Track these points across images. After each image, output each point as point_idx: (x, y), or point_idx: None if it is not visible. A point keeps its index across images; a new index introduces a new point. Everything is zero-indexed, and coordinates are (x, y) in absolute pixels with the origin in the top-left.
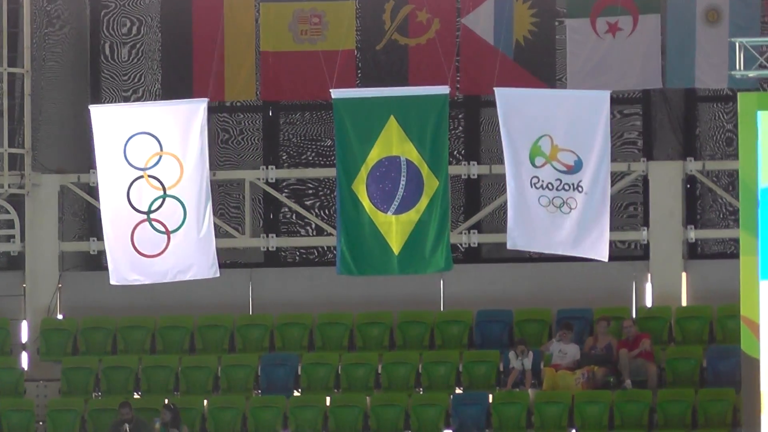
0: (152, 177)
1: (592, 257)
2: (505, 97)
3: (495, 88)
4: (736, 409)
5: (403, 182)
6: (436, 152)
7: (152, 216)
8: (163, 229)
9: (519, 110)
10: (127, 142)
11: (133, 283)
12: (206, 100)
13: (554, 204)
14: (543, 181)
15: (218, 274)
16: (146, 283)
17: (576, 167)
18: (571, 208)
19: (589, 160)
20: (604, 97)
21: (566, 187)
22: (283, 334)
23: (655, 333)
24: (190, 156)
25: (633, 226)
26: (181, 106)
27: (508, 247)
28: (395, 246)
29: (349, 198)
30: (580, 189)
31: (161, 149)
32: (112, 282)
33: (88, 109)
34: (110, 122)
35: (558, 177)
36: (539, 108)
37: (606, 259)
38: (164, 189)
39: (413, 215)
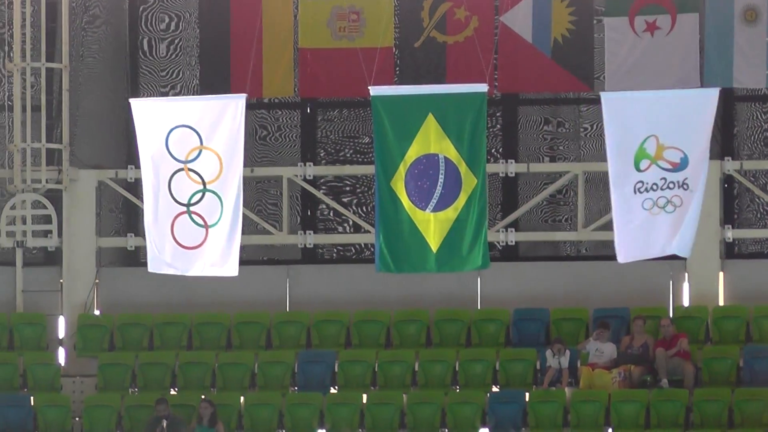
0: (192, 171)
1: (680, 254)
2: (611, 100)
3: (601, 93)
4: None
5: (441, 180)
6: (475, 150)
7: (192, 209)
8: (202, 223)
9: (625, 113)
10: (169, 134)
11: (167, 272)
12: (245, 95)
13: (658, 205)
14: (647, 183)
15: (236, 273)
16: (181, 273)
17: (682, 164)
18: (675, 206)
19: (694, 156)
20: (712, 94)
21: (671, 185)
22: (320, 331)
23: (691, 332)
24: (228, 151)
25: None
26: (220, 101)
27: (620, 260)
28: (433, 243)
29: (387, 195)
30: (685, 186)
31: (201, 143)
32: (150, 269)
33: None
34: (151, 115)
35: (663, 176)
36: (645, 109)
37: (688, 256)
38: (204, 183)
39: (451, 213)
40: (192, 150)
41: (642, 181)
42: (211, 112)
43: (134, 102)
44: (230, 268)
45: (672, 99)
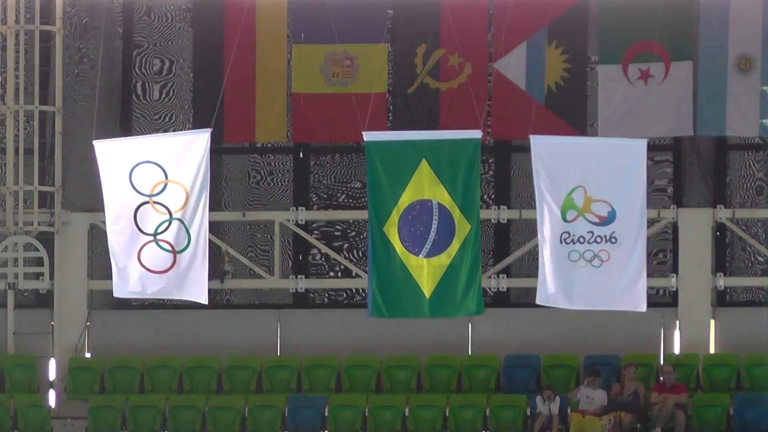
0: (158, 203)
1: (629, 309)
2: (540, 144)
3: (530, 136)
4: None
5: (434, 226)
6: (468, 196)
7: (159, 237)
8: (169, 248)
9: (554, 159)
10: (132, 170)
11: (135, 296)
12: (209, 130)
13: (585, 258)
14: (574, 235)
15: (207, 302)
16: (147, 297)
17: (609, 218)
18: (602, 261)
19: (623, 210)
20: (641, 145)
21: (597, 239)
22: (311, 375)
23: (682, 380)
24: (193, 183)
25: (662, 272)
26: (184, 136)
27: (538, 302)
28: (426, 289)
29: (380, 240)
30: (613, 240)
31: (166, 177)
32: (116, 294)
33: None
34: (115, 154)
35: (590, 229)
36: (574, 157)
37: (643, 310)
38: (170, 213)
39: (445, 259)
40: (157, 184)
41: (568, 232)
42: (175, 147)
43: (98, 143)
44: (199, 294)
45: (602, 148)
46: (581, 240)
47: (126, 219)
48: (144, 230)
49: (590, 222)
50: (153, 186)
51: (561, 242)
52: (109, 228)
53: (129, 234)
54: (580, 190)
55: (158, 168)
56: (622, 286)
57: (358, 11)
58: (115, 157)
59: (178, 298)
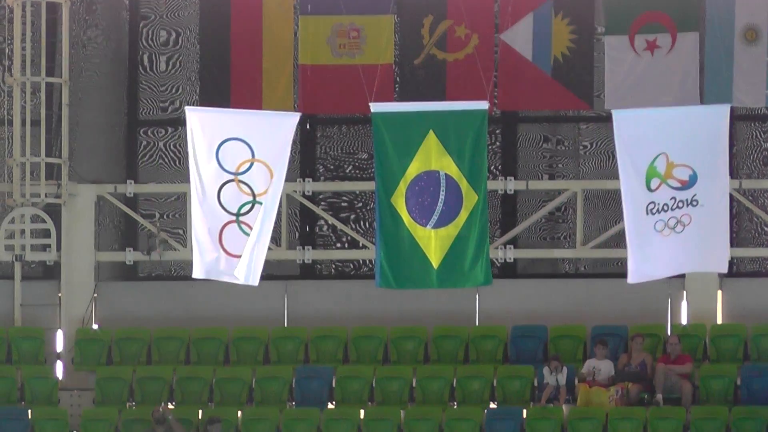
0: (243, 182)
1: (711, 270)
2: (621, 118)
3: (612, 111)
4: None
5: (442, 196)
6: (475, 167)
7: (241, 219)
8: (249, 231)
9: (636, 131)
10: (220, 146)
11: (211, 277)
12: (299, 114)
13: (669, 226)
14: (658, 204)
15: (257, 283)
16: (224, 280)
17: (691, 181)
18: (684, 225)
19: (704, 172)
20: (723, 110)
21: (680, 204)
22: (318, 347)
23: (689, 350)
24: (279, 166)
25: None
26: (274, 117)
27: (630, 281)
28: (434, 260)
29: (388, 212)
30: (695, 203)
31: (253, 156)
32: (195, 275)
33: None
34: (204, 125)
35: (673, 195)
36: (656, 126)
37: (725, 271)
38: (254, 195)
39: (452, 230)
40: (243, 162)
41: (654, 202)
42: (266, 126)
43: (189, 110)
44: (255, 277)
45: (683, 115)
46: (665, 208)
47: (210, 197)
48: (227, 209)
49: (672, 188)
50: (239, 164)
51: (647, 214)
52: (194, 206)
53: (212, 212)
54: (663, 157)
55: (246, 146)
56: (707, 247)
57: None
58: (204, 129)
59: (251, 284)
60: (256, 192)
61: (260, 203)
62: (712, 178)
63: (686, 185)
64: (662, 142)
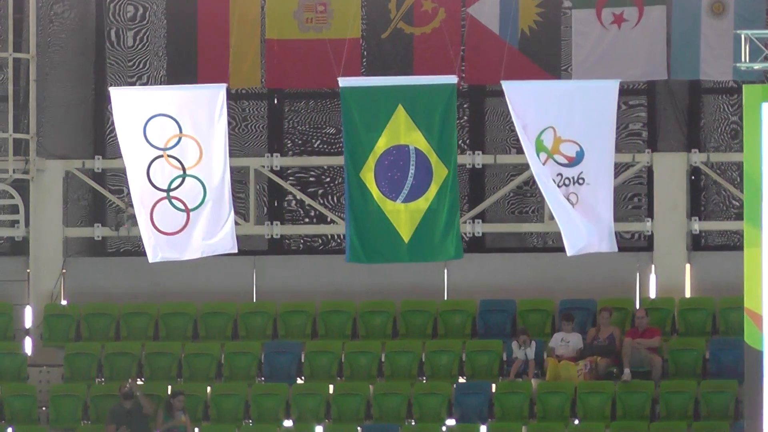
0: (171, 157)
1: (601, 250)
2: (512, 89)
3: (502, 81)
4: (739, 400)
5: (412, 171)
6: (445, 141)
7: (172, 194)
8: (182, 207)
9: (527, 103)
10: (147, 123)
11: (167, 259)
12: (225, 85)
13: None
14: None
15: (236, 250)
16: (179, 259)
17: (577, 158)
18: (572, 204)
19: (591, 149)
20: (612, 86)
21: (566, 182)
22: (286, 321)
23: (658, 324)
24: (209, 139)
25: (637, 217)
26: (200, 90)
27: (569, 254)
28: (405, 234)
29: (357, 186)
30: (581, 181)
31: (180, 131)
32: (150, 260)
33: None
34: (130, 104)
35: (559, 171)
36: (546, 99)
37: (615, 250)
38: (184, 169)
39: (422, 203)
40: (171, 138)
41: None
42: (192, 101)
43: (114, 90)
44: (225, 245)
45: (574, 89)
46: (553, 183)
47: (140, 175)
48: (157, 186)
49: (559, 164)
50: (167, 140)
51: (558, 186)
52: (132, 186)
53: (143, 191)
54: (550, 131)
55: (173, 121)
56: (595, 226)
57: None
58: (130, 107)
59: (199, 256)
60: (186, 165)
61: (193, 176)
62: (598, 156)
63: (572, 162)
64: (551, 116)
